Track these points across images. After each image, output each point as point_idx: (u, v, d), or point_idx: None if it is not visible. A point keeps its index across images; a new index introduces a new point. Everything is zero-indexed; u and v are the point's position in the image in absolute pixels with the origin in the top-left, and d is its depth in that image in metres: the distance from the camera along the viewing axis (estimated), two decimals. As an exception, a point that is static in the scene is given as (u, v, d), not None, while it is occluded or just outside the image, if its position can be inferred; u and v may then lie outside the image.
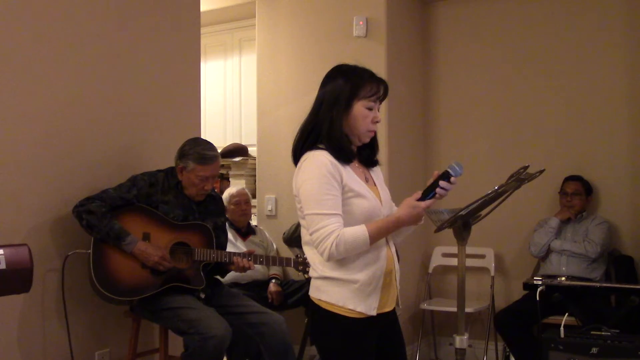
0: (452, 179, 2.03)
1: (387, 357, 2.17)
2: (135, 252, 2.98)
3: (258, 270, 4.15)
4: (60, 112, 3.08)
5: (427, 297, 4.68)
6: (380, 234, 2.03)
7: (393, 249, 2.18)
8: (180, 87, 3.70)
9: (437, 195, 2.03)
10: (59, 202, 3.04)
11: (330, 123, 2.06)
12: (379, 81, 2.11)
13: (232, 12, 5.26)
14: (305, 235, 2.12)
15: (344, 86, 2.07)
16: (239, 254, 3.18)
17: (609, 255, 4.17)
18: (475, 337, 4.53)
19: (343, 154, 2.05)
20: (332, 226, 1.97)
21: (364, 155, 2.18)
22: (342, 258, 2.01)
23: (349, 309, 2.03)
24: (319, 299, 2.08)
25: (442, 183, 2.03)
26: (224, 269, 3.31)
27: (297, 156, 2.12)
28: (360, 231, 1.99)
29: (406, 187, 4.18)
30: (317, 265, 2.08)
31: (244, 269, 3.17)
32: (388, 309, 2.14)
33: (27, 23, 2.96)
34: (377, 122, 2.10)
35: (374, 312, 2.05)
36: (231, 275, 3.57)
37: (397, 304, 2.19)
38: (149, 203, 3.11)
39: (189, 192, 3.17)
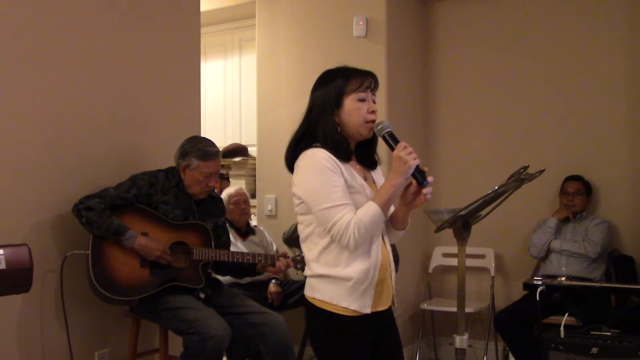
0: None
1: (384, 356, 2.16)
2: (136, 247, 2.98)
3: (258, 270, 4.15)
4: (60, 112, 3.08)
5: (427, 297, 4.68)
6: (387, 201, 2.02)
7: (389, 248, 2.17)
8: (180, 87, 3.70)
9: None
10: (58, 202, 3.04)
11: (324, 125, 2.07)
12: (365, 73, 2.12)
13: (232, 12, 5.26)
14: (302, 232, 2.13)
15: (331, 87, 2.09)
16: (241, 253, 3.18)
17: (609, 255, 4.17)
18: (475, 337, 4.54)
19: (341, 152, 2.06)
20: (348, 215, 1.98)
21: (362, 155, 2.18)
22: (359, 244, 2.00)
23: (343, 307, 2.03)
24: (313, 298, 2.09)
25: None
26: (254, 270, 3.30)
27: (289, 161, 2.13)
28: (372, 208, 2.00)
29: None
30: (312, 264, 2.09)
31: (286, 268, 3.22)
32: (383, 307, 2.13)
33: (27, 22, 2.95)
34: (373, 111, 2.10)
35: (368, 310, 2.05)
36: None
37: (393, 302, 2.19)
38: (148, 203, 3.11)
39: (193, 191, 3.17)
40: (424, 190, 2.04)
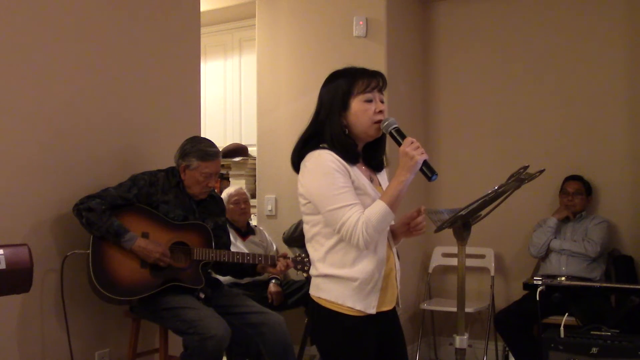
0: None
1: (388, 356, 2.16)
2: (135, 249, 2.98)
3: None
4: (60, 112, 3.08)
5: (427, 297, 4.68)
6: (395, 199, 2.01)
7: (394, 249, 2.18)
8: (180, 87, 3.70)
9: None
10: (58, 202, 3.04)
11: (331, 127, 2.07)
12: (373, 74, 2.12)
13: (232, 12, 5.26)
14: (308, 232, 2.13)
15: (338, 88, 2.09)
16: (241, 254, 3.18)
17: (608, 255, 4.17)
18: (475, 337, 4.53)
19: (348, 155, 2.06)
20: (356, 215, 1.98)
21: (369, 157, 2.18)
22: (369, 243, 2.00)
23: (348, 307, 2.03)
24: (319, 297, 2.09)
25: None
26: (254, 270, 3.30)
27: (295, 161, 2.13)
28: (380, 207, 1.99)
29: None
30: (317, 264, 2.09)
31: (286, 269, 3.21)
32: (387, 307, 2.13)
33: (27, 22, 2.95)
34: (380, 111, 2.09)
35: (373, 311, 2.05)
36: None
37: (397, 303, 2.19)
38: (149, 203, 3.11)
39: (193, 191, 3.17)
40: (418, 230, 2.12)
